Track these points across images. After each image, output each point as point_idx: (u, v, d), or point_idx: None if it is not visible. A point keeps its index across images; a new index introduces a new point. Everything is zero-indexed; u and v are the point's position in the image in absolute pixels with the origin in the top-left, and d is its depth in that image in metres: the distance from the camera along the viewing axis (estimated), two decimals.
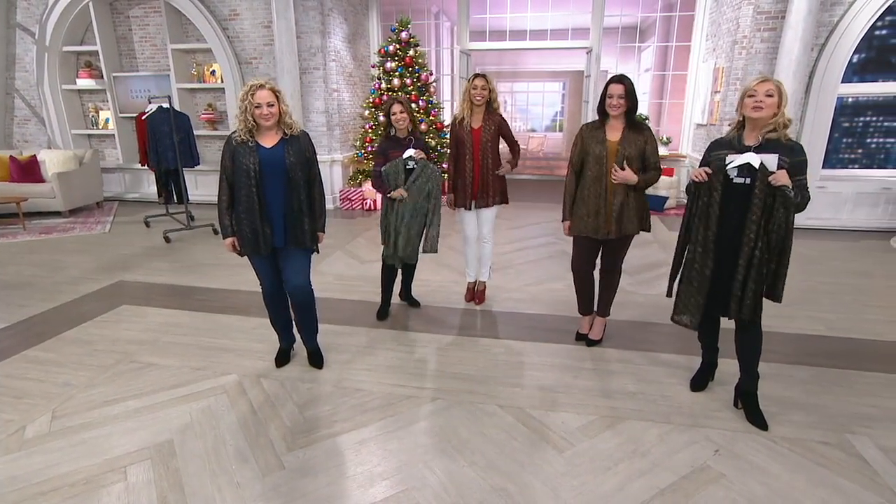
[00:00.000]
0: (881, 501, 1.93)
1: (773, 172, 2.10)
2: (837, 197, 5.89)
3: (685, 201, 2.49)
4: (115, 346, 3.18)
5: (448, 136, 4.39)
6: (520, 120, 17.26)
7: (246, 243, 2.59)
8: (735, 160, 2.18)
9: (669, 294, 2.54)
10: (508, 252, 5.11)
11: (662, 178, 5.79)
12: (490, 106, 3.41)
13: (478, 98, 3.34)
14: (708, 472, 2.08)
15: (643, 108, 8.33)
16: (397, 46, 6.99)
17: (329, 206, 6.57)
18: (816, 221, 5.92)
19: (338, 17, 7.02)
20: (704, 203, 2.28)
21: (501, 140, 3.47)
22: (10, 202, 6.05)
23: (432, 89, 7.45)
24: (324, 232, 2.78)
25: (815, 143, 5.67)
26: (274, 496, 1.97)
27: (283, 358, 2.97)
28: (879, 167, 5.93)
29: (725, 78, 6.04)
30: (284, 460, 2.17)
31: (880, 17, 5.35)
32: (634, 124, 2.77)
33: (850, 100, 5.77)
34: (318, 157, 2.73)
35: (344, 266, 4.74)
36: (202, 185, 7.43)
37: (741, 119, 2.27)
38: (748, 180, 2.16)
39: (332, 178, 7.23)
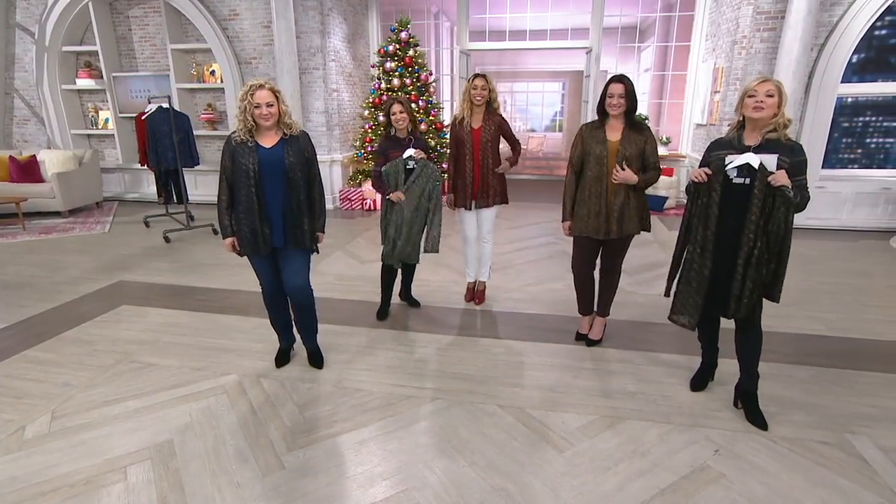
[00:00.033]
0: (881, 501, 1.93)
1: (772, 173, 2.10)
2: (837, 197, 5.90)
3: (685, 201, 2.49)
4: (114, 347, 3.18)
5: (448, 136, 4.40)
6: (519, 120, 17.25)
7: (245, 243, 2.59)
8: (734, 160, 2.18)
9: (667, 294, 2.54)
10: (508, 252, 5.11)
11: (662, 178, 5.82)
12: (490, 106, 3.41)
13: (478, 98, 3.34)
14: (708, 472, 2.08)
15: (643, 108, 8.34)
16: (397, 46, 6.99)
17: (329, 206, 6.56)
18: (816, 221, 5.92)
19: (337, 17, 7.02)
20: (704, 203, 2.28)
21: (502, 140, 3.48)
22: (10, 202, 6.05)
23: (432, 89, 7.45)
24: (323, 232, 2.78)
25: (814, 143, 5.67)
26: (274, 496, 1.97)
27: (283, 358, 2.97)
28: (879, 167, 5.94)
29: (725, 78, 6.04)
30: (284, 460, 2.17)
31: (880, 18, 5.36)
32: (634, 124, 2.77)
33: (849, 100, 5.78)
34: (317, 157, 2.73)
35: (344, 266, 4.74)
36: (202, 185, 7.42)
37: (741, 119, 2.27)
38: (748, 180, 2.16)
39: (332, 178, 7.23)
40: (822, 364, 2.93)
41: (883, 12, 5.31)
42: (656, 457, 2.17)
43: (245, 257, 2.67)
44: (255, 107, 2.42)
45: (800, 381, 2.76)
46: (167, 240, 5.59)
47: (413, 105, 5.15)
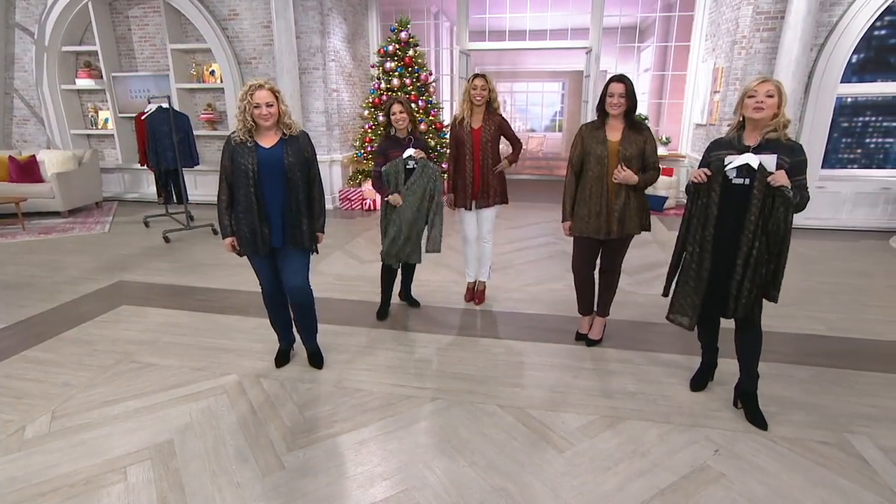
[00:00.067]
0: (881, 501, 1.93)
1: (771, 173, 2.10)
2: (837, 197, 5.90)
3: (685, 201, 2.49)
4: (114, 347, 3.18)
5: (448, 136, 4.39)
6: (519, 120, 17.25)
7: (245, 243, 2.59)
8: (734, 161, 2.18)
9: (666, 294, 2.55)
10: (508, 252, 5.11)
11: (662, 178, 5.82)
12: (490, 106, 3.41)
13: (478, 98, 3.34)
14: (708, 472, 2.08)
15: (643, 108, 8.34)
16: (397, 46, 6.99)
17: (329, 206, 6.56)
18: (816, 221, 5.92)
19: (337, 16, 7.02)
20: (703, 204, 2.28)
21: (502, 140, 3.48)
22: (10, 202, 6.05)
23: (432, 89, 7.45)
24: (323, 232, 2.78)
25: (814, 143, 5.67)
26: (274, 496, 1.97)
27: (282, 358, 2.96)
28: (878, 167, 5.94)
29: (725, 78, 6.04)
30: (284, 460, 2.17)
31: (879, 18, 5.36)
32: (634, 124, 2.78)
33: (849, 100, 5.78)
34: (317, 157, 2.73)
35: (344, 266, 4.74)
36: (201, 185, 7.42)
37: (741, 119, 2.27)
38: (747, 181, 2.16)
39: (332, 178, 7.23)
40: (822, 364, 2.93)
41: (882, 12, 5.31)
42: (656, 457, 2.17)
43: (245, 257, 2.67)
44: (255, 107, 2.42)
45: (800, 381, 2.76)
46: (167, 240, 5.59)
47: (413, 105, 5.15)
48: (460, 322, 3.55)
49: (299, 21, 6.56)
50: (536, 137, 16.20)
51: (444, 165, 5.53)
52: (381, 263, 3.49)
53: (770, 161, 2.12)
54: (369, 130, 7.21)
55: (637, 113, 2.82)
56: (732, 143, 2.27)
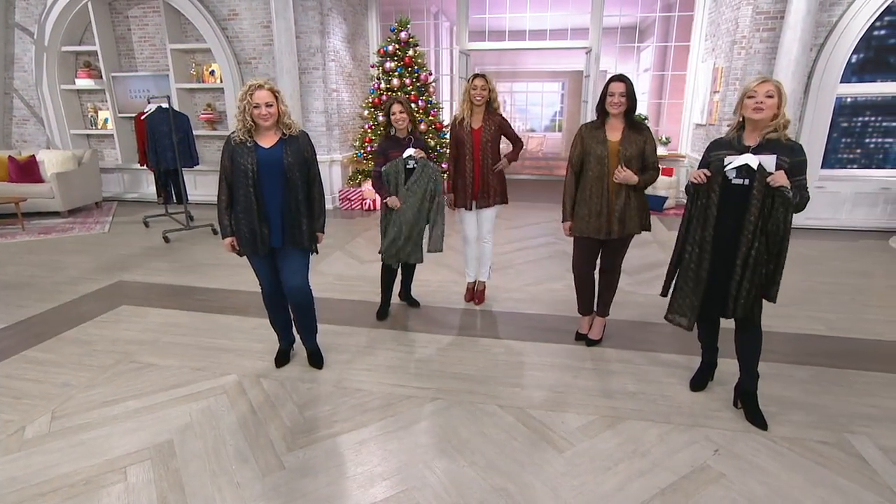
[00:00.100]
0: (880, 501, 1.93)
1: (771, 173, 2.10)
2: (836, 197, 5.90)
3: (684, 201, 2.49)
4: (114, 347, 3.18)
5: (448, 136, 4.39)
6: (519, 120, 17.24)
7: (244, 243, 2.59)
8: (733, 162, 2.18)
9: (664, 293, 2.55)
10: (508, 252, 5.11)
11: (662, 178, 5.83)
12: (490, 106, 3.41)
13: (478, 98, 3.34)
14: (708, 472, 2.08)
15: (642, 108, 8.34)
16: (396, 46, 6.99)
17: (328, 206, 6.55)
18: (815, 221, 5.93)
19: (337, 17, 7.02)
20: (703, 204, 2.28)
21: (503, 139, 3.48)
22: (9, 202, 6.04)
23: (431, 89, 7.44)
24: (323, 232, 2.78)
25: (813, 143, 5.68)
26: (274, 496, 1.97)
27: (282, 358, 2.96)
28: (878, 167, 5.94)
29: (724, 78, 6.04)
30: (284, 460, 2.17)
31: (879, 18, 5.37)
32: (634, 124, 2.78)
33: (848, 100, 5.78)
34: (317, 157, 2.73)
35: (343, 266, 4.74)
36: (201, 185, 7.42)
37: (741, 120, 2.27)
38: (747, 181, 2.16)
39: (332, 178, 7.23)
40: (822, 364, 2.93)
41: (882, 12, 5.32)
42: (656, 457, 2.17)
43: (244, 257, 2.67)
44: (255, 107, 2.42)
45: (800, 381, 2.76)
46: (167, 240, 5.59)
47: (413, 105, 5.15)
48: (460, 322, 3.55)
49: (299, 21, 6.56)
50: (536, 137, 16.19)
51: (444, 165, 5.53)
52: (381, 263, 3.49)
53: (769, 161, 2.12)
54: (369, 130, 7.21)
55: (637, 113, 2.82)
56: (732, 144, 2.27)
